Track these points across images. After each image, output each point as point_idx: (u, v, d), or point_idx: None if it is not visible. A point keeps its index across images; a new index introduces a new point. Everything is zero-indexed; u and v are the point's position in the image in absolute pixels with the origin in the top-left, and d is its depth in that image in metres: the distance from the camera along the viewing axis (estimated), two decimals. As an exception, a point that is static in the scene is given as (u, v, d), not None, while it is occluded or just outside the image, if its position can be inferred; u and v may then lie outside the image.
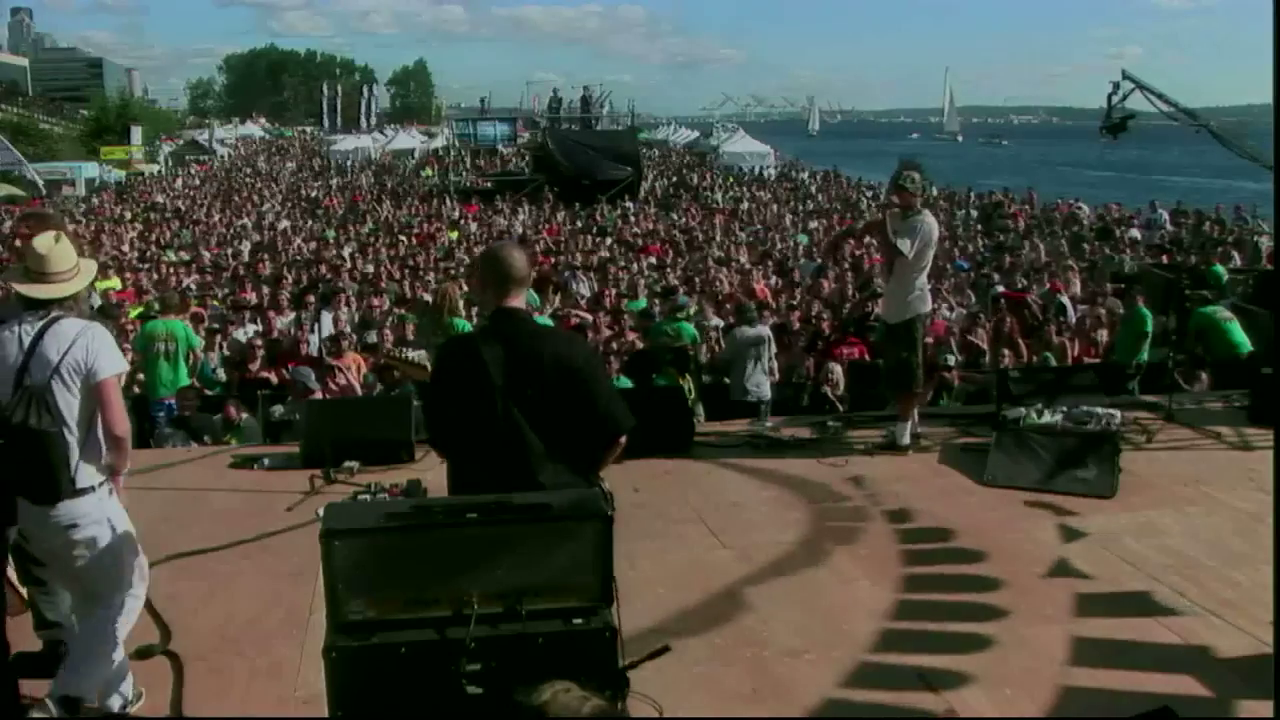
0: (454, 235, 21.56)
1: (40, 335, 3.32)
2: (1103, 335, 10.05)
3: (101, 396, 3.37)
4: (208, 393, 8.93)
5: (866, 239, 12.19)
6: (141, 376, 8.80)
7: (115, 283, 14.23)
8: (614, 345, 9.70)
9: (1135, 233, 19.37)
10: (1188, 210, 22.41)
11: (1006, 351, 9.01)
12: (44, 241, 3.42)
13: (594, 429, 3.16)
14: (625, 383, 8.22)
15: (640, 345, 9.48)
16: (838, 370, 8.81)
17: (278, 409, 8.13)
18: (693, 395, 8.44)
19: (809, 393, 8.84)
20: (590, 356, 3.43)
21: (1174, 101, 9.53)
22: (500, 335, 3.13)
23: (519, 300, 3.20)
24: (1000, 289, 12.53)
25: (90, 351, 3.34)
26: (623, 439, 3.21)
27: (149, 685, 3.73)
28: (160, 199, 31.52)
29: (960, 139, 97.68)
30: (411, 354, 8.13)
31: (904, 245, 6.44)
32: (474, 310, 10.56)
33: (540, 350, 3.13)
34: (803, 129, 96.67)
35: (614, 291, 12.92)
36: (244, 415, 8.03)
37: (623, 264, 15.78)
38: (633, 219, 23.75)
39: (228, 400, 8.29)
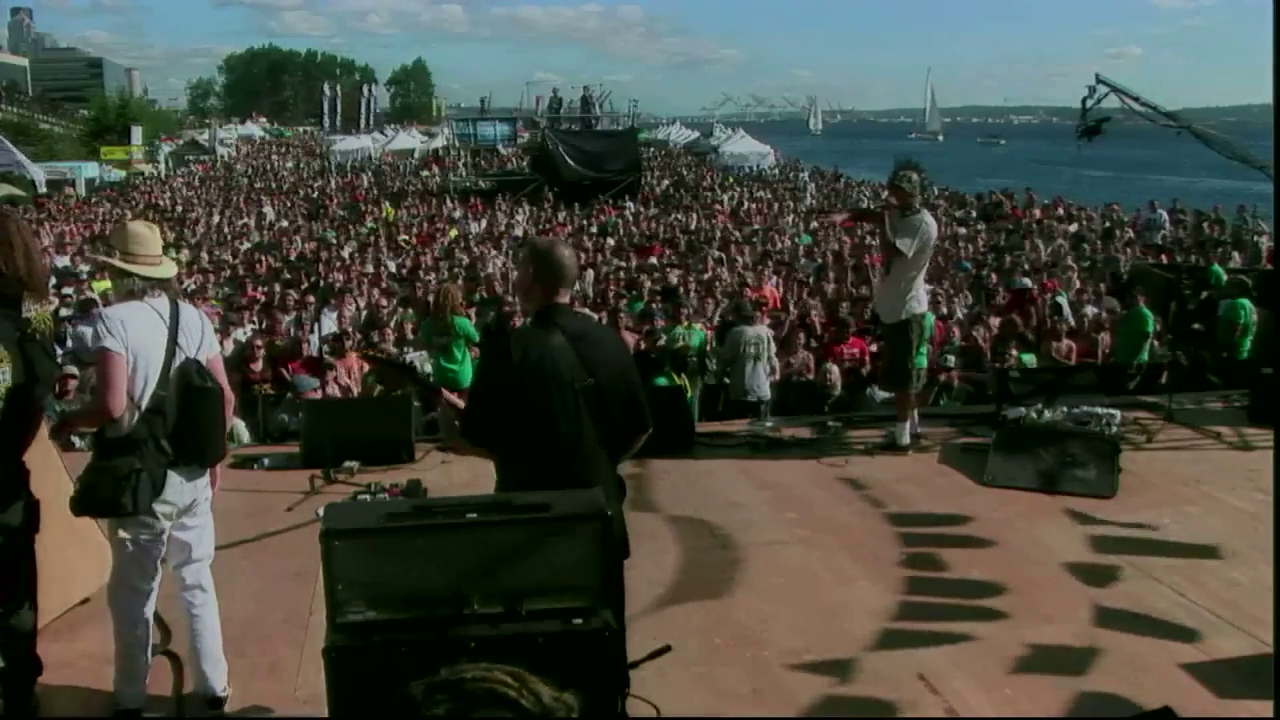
0: (454, 235, 21.57)
1: (177, 314, 3.54)
2: (1102, 336, 10.05)
3: (218, 369, 3.70)
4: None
5: (864, 229, 12.03)
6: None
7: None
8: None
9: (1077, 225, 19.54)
10: (1185, 210, 22.44)
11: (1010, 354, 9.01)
12: (144, 226, 3.65)
13: (630, 420, 3.28)
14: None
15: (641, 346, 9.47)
16: (835, 370, 8.83)
17: (283, 418, 8.11)
18: (689, 395, 8.46)
19: (814, 387, 8.81)
20: (630, 353, 3.54)
21: (1150, 103, 9.55)
22: (561, 328, 3.18)
23: (567, 297, 3.28)
24: (1027, 283, 12.50)
25: (210, 331, 3.71)
26: (650, 430, 3.34)
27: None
28: (161, 200, 31.48)
29: (941, 138, 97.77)
30: (412, 355, 8.15)
31: (903, 244, 6.44)
32: (473, 310, 10.63)
33: (598, 342, 3.25)
34: (802, 129, 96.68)
35: (613, 291, 12.90)
36: (235, 420, 7.95)
37: (621, 264, 15.78)
38: (631, 219, 23.74)
39: None
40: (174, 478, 3.49)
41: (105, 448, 3.42)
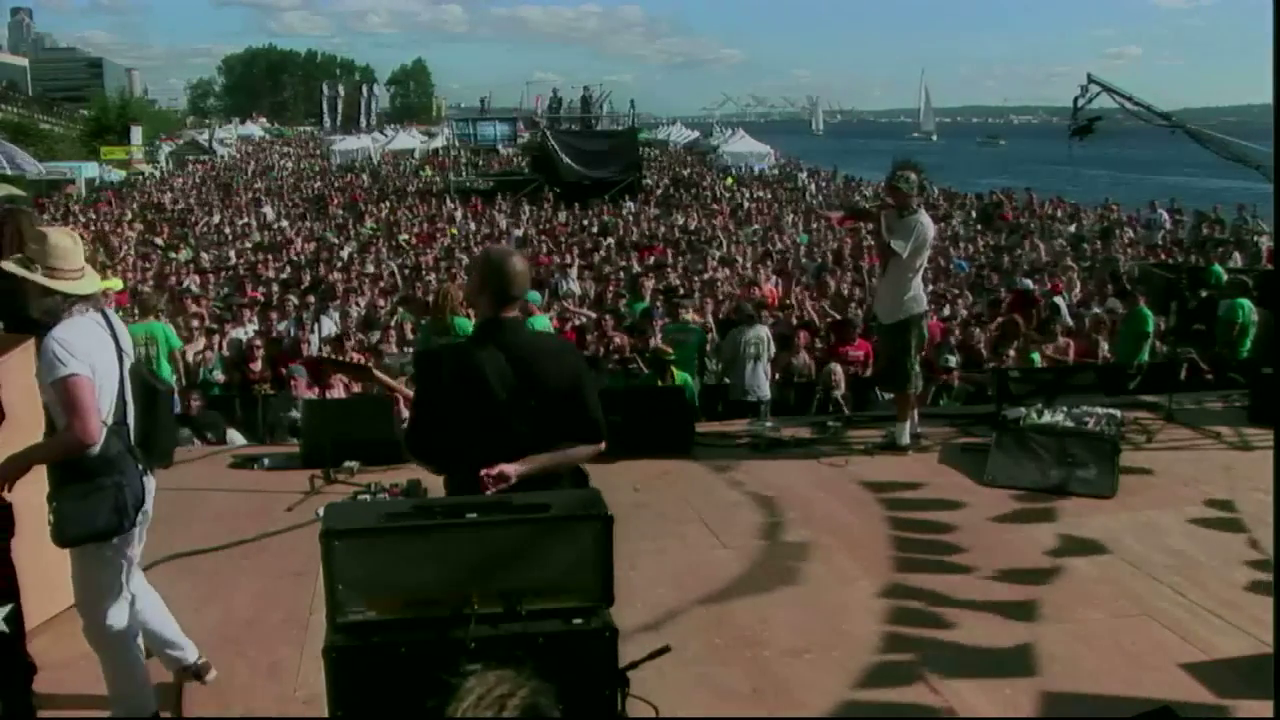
0: (454, 234, 21.59)
1: (109, 320, 3.48)
2: (1102, 337, 10.04)
3: None
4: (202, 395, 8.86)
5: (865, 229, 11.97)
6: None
7: (117, 283, 14.13)
8: (609, 346, 9.67)
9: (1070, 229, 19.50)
10: (1183, 210, 22.46)
11: (1012, 354, 9.01)
12: (66, 237, 3.42)
13: (585, 429, 3.21)
14: (621, 383, 8.27)
15: (625, 346, 9.48)
16: (839, 370, 8.82)
17: (281, 415, 8.12)
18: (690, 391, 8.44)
19: (818, 398, 8.77)
20: (585, 367, 3.47)
21: (1142, 102, 9.60)
22: (500, 345, 3.12)
23: (514, 310, 3.21)
24: (1029, 284, 12.48)
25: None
26: (603, 445, 3.26)
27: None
28: (162, 199, 31.48)
29: (935, 138, 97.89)
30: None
31: (899, 245, 6.45)
32: (473, 310, 10.61)
33: (542, 361, 3.16)
34: (802, 129, 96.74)
35: (612, 291, 12.91)
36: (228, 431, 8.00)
37: (623, 264, 15.79)
38: (631, 219, 23.76)
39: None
40: (149, 483, 3.47)
41: (82, 470, 3.28)
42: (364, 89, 75.42)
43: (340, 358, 7.82)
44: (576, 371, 3.25)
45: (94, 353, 3.29)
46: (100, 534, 3.33)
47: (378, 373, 3.73)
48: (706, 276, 13.93)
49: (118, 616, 3.47)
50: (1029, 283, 12.62)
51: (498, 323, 3.15)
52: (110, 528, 3.33)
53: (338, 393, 8.32)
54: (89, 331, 3.33)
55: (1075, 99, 9.57)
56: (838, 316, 10.61)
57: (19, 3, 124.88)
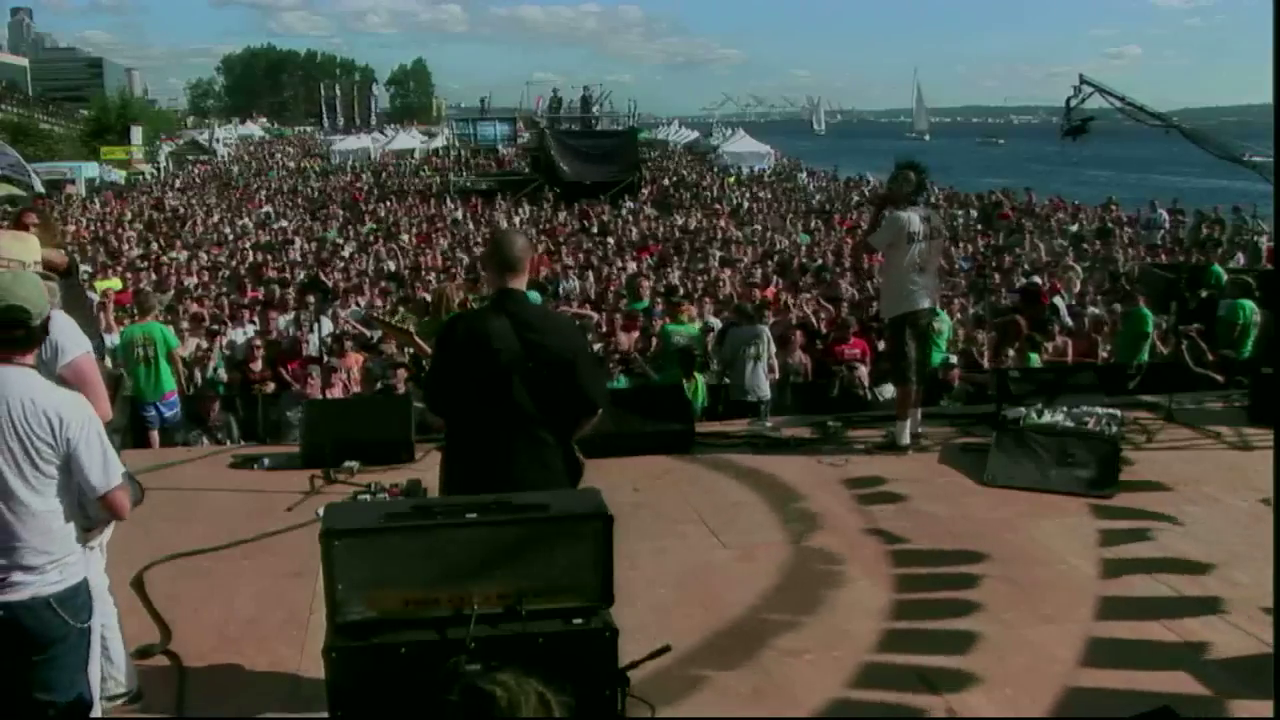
0: (454, 234, 21.58)
1: None
2: (1102, 337, 10.04)
3: None
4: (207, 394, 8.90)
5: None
6: (129, 381, 8.77)
7: (116, 283, 14.18)
8: (611, 345, 9.66)
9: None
10: (1184, 210, 22.46)
11: (1012, 354, 9.00)
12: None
13: (577, 401, 3.47)
14: (622, 382, 8.28)
15: (626, 344, 9.48)
16: (863, 370, 8.82)
17: (287, 414, 8.13)
18: (701, 397, 8.44)
19: (840, 378, 8.77)
20: (583, 339, 3.81)
21: (1135, 103, 9.65)
22: (507, 313, 3.41)
23: (520, 282, 3.53)
24: (1038, 280, 12.45)
25: None
26: (600, 412, 3.56)
27: (149, 685, 3.73)
28: (162, 199, 31.49)
29: (928, 138, 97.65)
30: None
31: (874, 240, 6.55)
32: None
33: (545, 329, 3.47)
34: (802, 129, 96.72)
35: (612, 291, 12.90)
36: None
37: (620, 264, 15.79)
38: (631, 219, 23.77)
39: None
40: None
41: None
42: (363, 89, 75.42)
43: (387, 322, 8.12)
44: (576, 344, 3.57)
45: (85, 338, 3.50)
46: (133, 505, 3.40)
47: (417, 339, 4.20)
48: (710, 276, 13.92)
49: (109, 596, 3.54)
50: (1036, 279, 12.58)
51: (506, 293, 3.48)
52: (137, 498, 3.42)
53: (338, 393, 8.32)
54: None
55: (1068, 99, 9.64)
56: (831, 310, 10.62)
57: (19, 3, 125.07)
